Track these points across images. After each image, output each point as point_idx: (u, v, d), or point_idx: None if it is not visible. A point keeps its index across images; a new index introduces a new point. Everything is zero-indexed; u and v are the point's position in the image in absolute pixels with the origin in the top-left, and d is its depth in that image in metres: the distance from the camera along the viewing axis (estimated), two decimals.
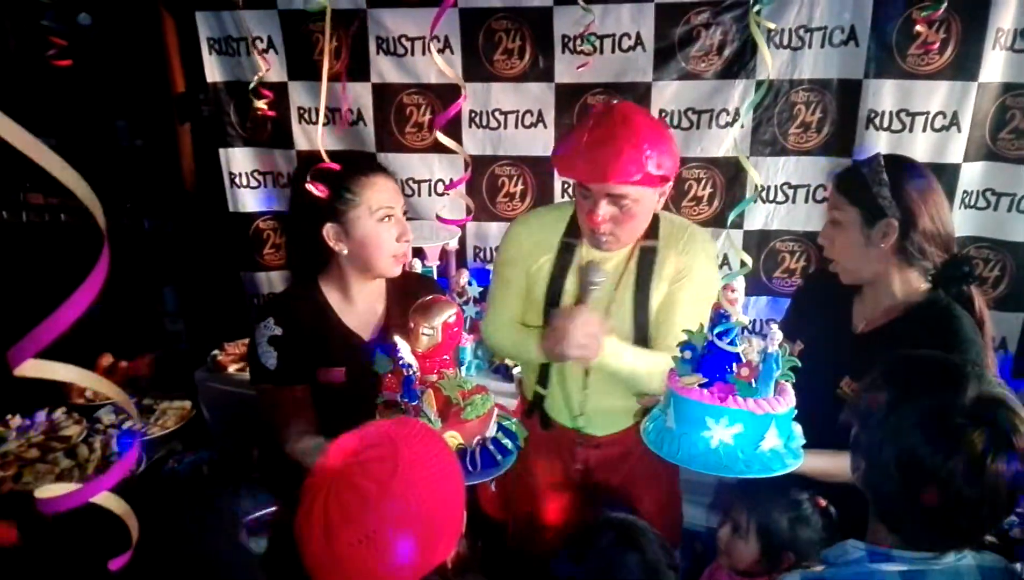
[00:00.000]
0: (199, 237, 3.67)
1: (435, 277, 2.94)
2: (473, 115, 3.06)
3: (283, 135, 3.28)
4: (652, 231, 1.92)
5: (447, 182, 3.13)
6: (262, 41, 3.14)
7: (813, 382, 1.57)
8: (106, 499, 0.60)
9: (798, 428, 1.61)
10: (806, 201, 2.85)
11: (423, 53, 3.01)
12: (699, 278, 1.90)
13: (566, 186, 3.07)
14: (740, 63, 2.77)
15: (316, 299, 1.97)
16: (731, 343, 1.59)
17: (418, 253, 2.98)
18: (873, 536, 1.25)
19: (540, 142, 3.03)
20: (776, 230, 2.92)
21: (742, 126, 2.80)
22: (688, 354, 1.70)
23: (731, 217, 1.71)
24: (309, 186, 1.68)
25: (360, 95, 3.14)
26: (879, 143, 2.64)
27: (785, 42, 2.70)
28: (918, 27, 2.44)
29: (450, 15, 2.94)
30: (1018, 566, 1.31)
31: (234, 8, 3.10)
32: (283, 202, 3.41)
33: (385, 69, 3.09)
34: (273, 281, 3.53)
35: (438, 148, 2.98)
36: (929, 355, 1.26)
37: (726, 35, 2.75)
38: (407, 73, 3.07)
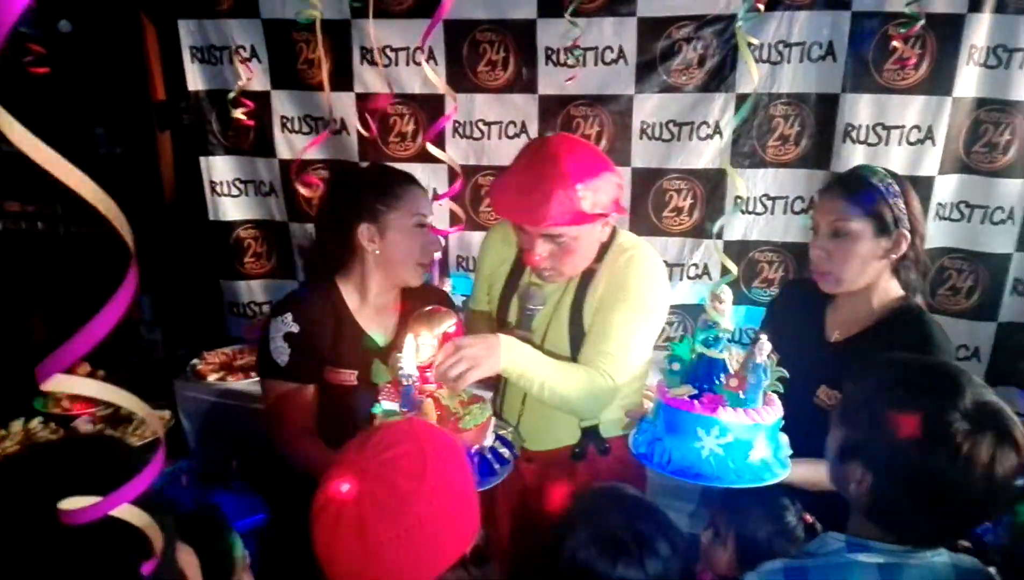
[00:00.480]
0: (178, 245, 3.64)
1: None
2: (457, 125, 3.08)
3: (265, 144, 3.28)
4: (601, 254, 1.90)
5: (434, 192, 3.15)
6: (245, 50, 3.14)
7: (789, 392, 1.59)
8: (127, 511, 0.60)
9: (784, 438, 1.63)
10: (784, 212, 2.90)
11: (407, 64, 3.02)
12: (634, 300, 1.84)
13: None
14: (720, 77, 2.81)
15: (334, 300, 1.95)
16: (717, 348, 1.61)
17: None
18: (853, 528, 1.27)
19: None
20: (755, 241, 2.96)
21: (721, 136, 2.84)
22: (676, 366, 1.71)
23: (715, 227, 1.73)
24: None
25: (344, 105, 3.14)
26: (856, 156, 2.70)
27: (765, 56, 2.75)
28: (894, 43, 2.50)
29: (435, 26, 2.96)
30: (992, 570, 1.33)
31: (217, 17, 3.10)
32: (265, 210, 3.40)
33: (369, 79, 3.10)
34: (253, 290, 3.52)
35: (422, 158, 2.99)
36: (925, 359, 1.28)
37: (707, 49, 2.79)
38: (391, 83, 3.08)
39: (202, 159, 3.33)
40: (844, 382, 1.32)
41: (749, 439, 1.57)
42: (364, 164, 1.97)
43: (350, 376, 1.93)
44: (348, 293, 1.97)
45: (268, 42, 3.14)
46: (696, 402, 1.60)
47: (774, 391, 1.62)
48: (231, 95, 2.99)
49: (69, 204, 3.96)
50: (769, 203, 2.92)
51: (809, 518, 1.72)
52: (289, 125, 3.24)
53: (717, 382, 1.67)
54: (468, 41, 2.97)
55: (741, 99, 2.80)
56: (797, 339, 1.87)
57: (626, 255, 1.89)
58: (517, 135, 3.04)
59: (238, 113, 3.04)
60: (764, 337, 1.59)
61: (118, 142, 3.86)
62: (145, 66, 3.38)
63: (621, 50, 2.86)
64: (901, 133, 2.68)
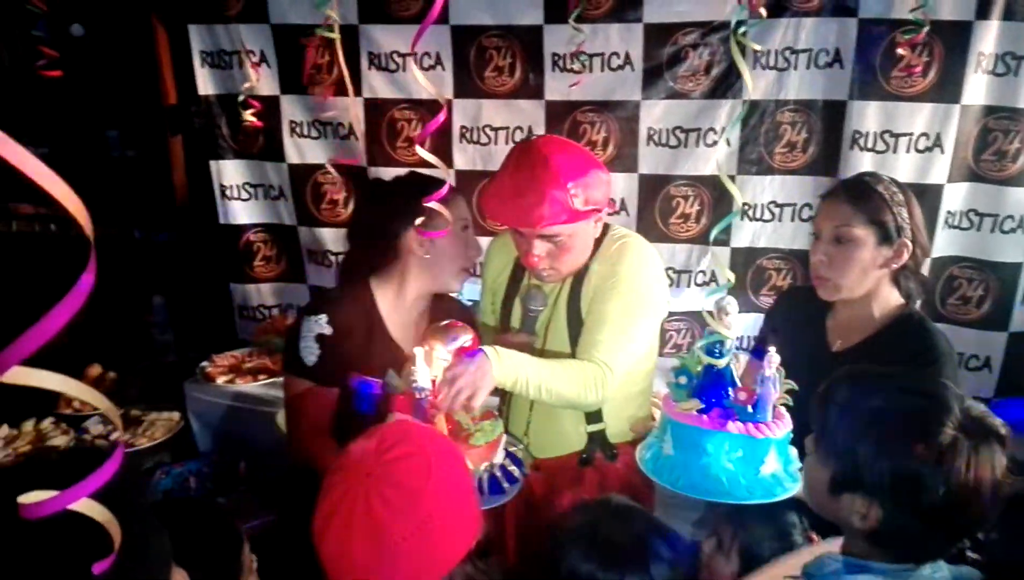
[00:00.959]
0: (189, 248, 3.68)
1: None
2: (464, 131, 3.08)
3: (274, 148, 3.29)
4: (595, 249, 1.93)
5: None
6: (255, 55, 3.16)
7: (798, 404, 1.59)
8: (87, 506, 0.61)
9: (794, 452, 1.63)
10: (792, 220, 2.89)
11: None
12: (626, 289, 1.86)
13: None
14: (727, 83, 2.80)
15: (368, 305, 1.96)
16: (720, 356, 1.61)
17: None
18: (851, 548, 1.26)
19: None
20: (762, 248, 2.95)
21: (728, 144, 2.83)
22: (683, 379, 1.71)
23: (713, 234, 1.72)
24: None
25: (352, 110, 3.16)
26: (863, 163, 2.68)
27: (771, 63, 2.74)
28: (900, 50, 2.49)
29: (442, 32, 2.97)
30: None
31: (227, 21, 3.13)
32: (274, 214, 3.42)
33: (377, 84, 3.11)
34: (263, 293, 3.54)
35: (428, 163, 3.00)
36: (899, 382, 1.25)
37: (713, 56, 2.78)
38: (398, 88, 3.09)
39: (212, 163, 3.36)
40: (818, 416, 1.28)
41: (760, 454, 1.57)
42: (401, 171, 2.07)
43: (377, 385, 1.92)
44: (382, 297, 1.97)
45: (277, 47, 3.15)
46: (704, 417, 1.60)
47: (783, 405, 1.62)
48: (240, 97, 3.01)
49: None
50: (777, 210, 2.91)
51: (815, 537, 1.71)
52: (298, 130, 3.26)
53: (725, 396, 1.67)
54: (475, 47, 2.97)
55: (748, 106, 2.79)
56: (799, 349, 1.87)
57: (616, 244, 1.92)
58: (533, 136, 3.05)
59: (248, 114, 3.06)
60: (772, 349, 1.59)
61: (130, 145, 3.90)
62: (157, 70, 3.41)
63: (628, 56, 2.85)
64: (909, 141, 2.66)
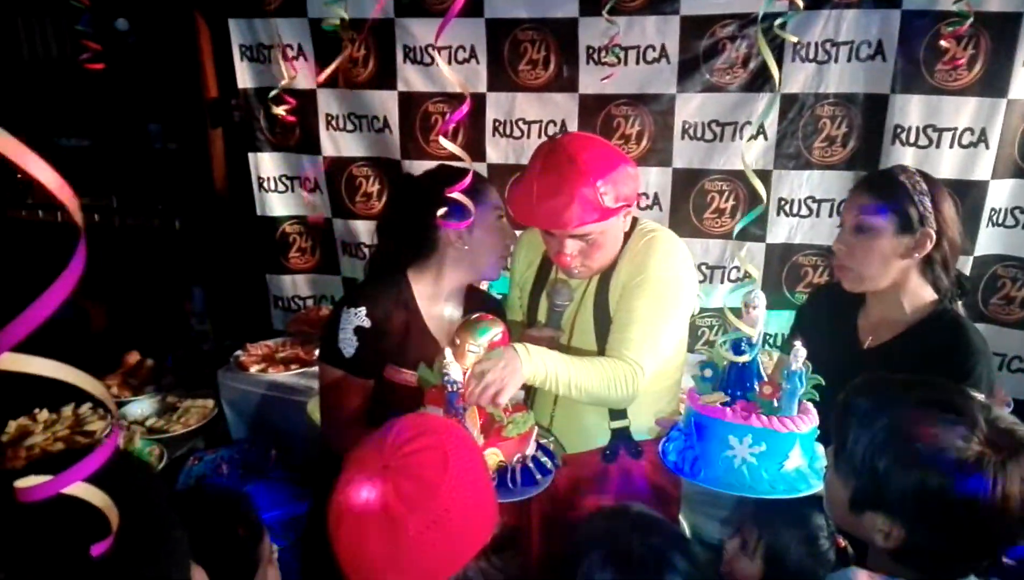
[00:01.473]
0: (228, 239, 3.74)
1: None
2: (497, 124, 3.08)
3: (311, 141, 3.33)
4: (622, 245, 1.91)
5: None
6: (292, 49, 3.20)
7: (825, 399, 1.56)
8: (83, 490, 0.62)
9: (821, 448, 1.59)
10: (830, 215, 2.83)
11: (449, 63, 3.03)
12: (655, 286, 1.84)
13: None
14: (764, 76, 2.76)
15: (406, 298, 1.96)
16: (740, 352, 1.58)
17: None
18: (876, 563, 1.23)
19: None
20: (799, 244, 2.90)
21: (763, 137, 2.78)
22: (708, 372, 1.69)
23: (736, 230, 1.70)
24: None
25: (386, 103, 3.18)
26: (905, 158, 2.61)
27: (811, 56, 2.69)
28: (943, 42, 2.42)
29: (477, 25, 2.97)
30: None
31: (265, 16, 3.17)
32: (306, 207, 3.46)
33: (411, 77, 3.12)
34: (298, 284, 3.59)
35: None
36: (919, 393, 1.19)
37: (751, 48, 2.74)
38: (432, 82, 3.10)
39: (251, 155, 3.40)
40: (836, 428, 1.25)
41: (784, 449, 1.55)
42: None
43: (411, 377, 1.93)
44: (420, 290, 1.98)
45: (314, 40, 3.18)
46: (728, 410, 1.58)
47: (809, 399, 1.59)
48: (272, 92, 3.05)
49: (124, 197, 4.09)
50: (814, 206, 2.85)
51: (842, 542, 1.67)
52: (334, 123, 3.29)
53: (750, 389, 1.64)
54: (509, 40, 2.97)
55: (786, 99, 2.75)
56: (830, 345, 1.83)
57: (645, 239, 1.90)
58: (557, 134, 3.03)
59: (279, 109, 3.09)
60: (799, 343, 1.56)
61: (172, 138, 3.97)
62: (198, 64, 3.47)
63: (663, 49, 2.82)
64: (953, 135, 2.59)
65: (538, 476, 1.68)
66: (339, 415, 1.94)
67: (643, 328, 1.82)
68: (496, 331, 1.73)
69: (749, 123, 2.80)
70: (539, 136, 3.02)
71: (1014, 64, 2.47)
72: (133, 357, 3.29)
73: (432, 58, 3.05)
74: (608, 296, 1.91)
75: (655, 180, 2.96)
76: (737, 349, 1.64)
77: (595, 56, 2.90)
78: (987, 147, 2.57)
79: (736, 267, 2.96)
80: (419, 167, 3.13)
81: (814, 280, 2.91)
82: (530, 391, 2.11)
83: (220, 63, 3.42)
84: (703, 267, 2.98)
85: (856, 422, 1.19)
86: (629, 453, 2.00)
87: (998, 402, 2.47)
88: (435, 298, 1.99)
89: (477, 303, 2.04)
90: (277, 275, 3.59)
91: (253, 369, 3.04)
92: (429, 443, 1.24)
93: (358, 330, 1.90)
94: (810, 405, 1.58)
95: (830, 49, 2.67)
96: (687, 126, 2.88)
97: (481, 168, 3.11)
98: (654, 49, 2.83)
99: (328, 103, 3.26)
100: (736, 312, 1.62)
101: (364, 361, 1.91)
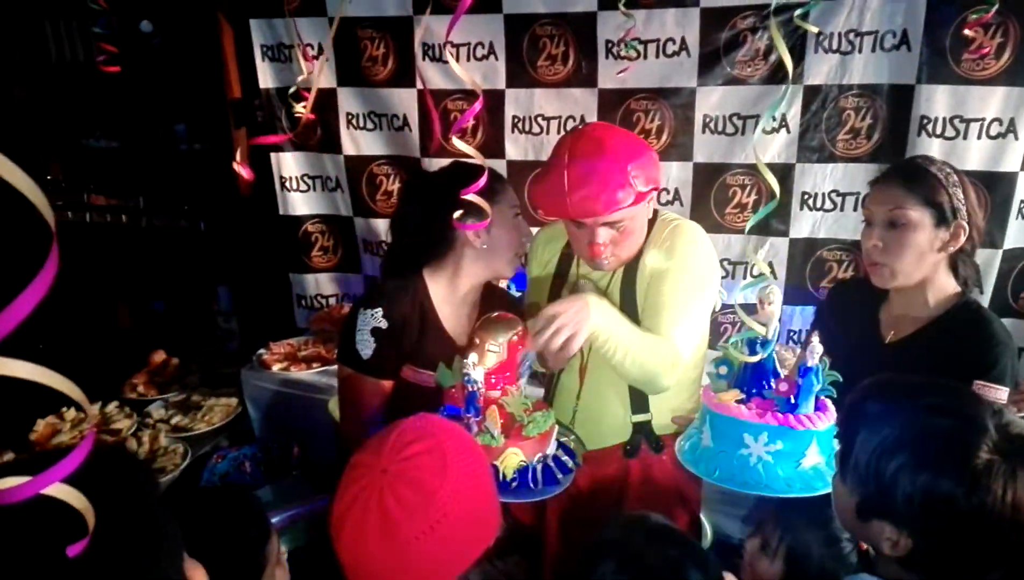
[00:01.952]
0: (252, 239, 3.77)
1: None
2: (516, 120, 3.06)
3: (332, 140, 3.34)
4: (646, 235, 1.89)
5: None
6: (312, 48, 3.21)
7: (843, 396, 1.53)
8: (62, 491, 0.62)
9: (839, 445, 1.57)
10: (855, 209, 2.77)
11: (468, 60, 3.03)
12: (686, 272, 1.82)
13: None
14: (786, 68, 2.70)
15: (422, 297, 1.97)
16: (752, 352, 1.57)
17: None
18: (884, 570, 1.20)
19: None
20: (823, 238, 2.85)
21: (775, 131, 2.74)
22: (723, 370, 1.67)
23: (749, 225, 1.67)
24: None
25: (405, 101, 3.18)
26: (932, 150, 2.55)
27: (834, 46, 2.64)
28: (967, 31, 2.36)
29: (495, 21, 2.96)
30: None
31: (286, 16, 3.18)
32: (331, 205, 3.48)
33: (430, 75, 3.12)
34: (320, 283, 3.61)
35: (482, 153, 3.00)
36: (929, 400, 1.16)
37: (772, 40, 2.69)
38: (452, 80, 3.09)
39: (272, 155, 3.42)
40: (843, 432, 1.22)
41: (800, 446, 1.53)
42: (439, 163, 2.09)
43: (429, 377, 1.93)
44: (435, 289, 1.98)
45: (334, 40, 3.19)
46: (743, 408, 1.56)
47: (827, 396, 1.57)
48: (292, 89, 3.07)
49: (151, 198, 4.15)
50: (838, 200, 2.80)
51: (864, 545, 1.64)
52: (354, 122, 3.30)
53: (766, 387, 1.62)
54: (528, 36, 2.95)
55: (809, 91, 2.70)
56: (851, 340, 1.81)
57: (669, 227, 1.88)
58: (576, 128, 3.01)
59: (299, 107, 3.11)
60: (815, 339, 1.54)
61: (197, 139, 4.02)
62: (222, 64, 3.50)
63: (684, 41, 2.78)
64: (980, 126, 2.52)
65: (559, 475, 1.67)
66: (358, 416, 1.95)
67: (676, 312, 1.79)
68: (516, 330, 1.73)
69: (772, 116, 2.75)
70: (558, 132, 3.00)
71: None
72: (159, 356, 3.34)
73: (452, 55, 3.04)
74: (636, 285, 1.88)
75: (676, 175, 2.93)
76: (752, 348, 1.62)
77: (614, 50, 2.87)
78: (1016, 138, 2.50)
79: (755, 265, 2.92)
80: (438, 165, 3.13)
81: (839, 275, 2.86)
82: (550, 386, 2.10)
83: (243, 64, 3.45)
84: (725, 263, 2.94)
85: (863, 427, 1.17)
86: (651, 447, 1.98)
87: (1023, 395, 2.41)
88: (451, 297, 1.99)
89: (495, 301, 2.03)
90: (300, 274, 3.61)
91: (275, 367, 3.06)
92: (428, 447, 1.23)
93: (375, 331, 1.90)
94: (828, 402, 1.56)
95: (854, 39, 2.61)
96: (708, 120, 2.84)
97: (500, 165, 3.10)
98: (674, 42, 2.80)
99: (348, 102, 3.27)
100: (752, 309, 1.60)
101: (382, 362, 1.92)
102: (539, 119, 3.03)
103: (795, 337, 2.89)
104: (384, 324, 1.90)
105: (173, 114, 3.98)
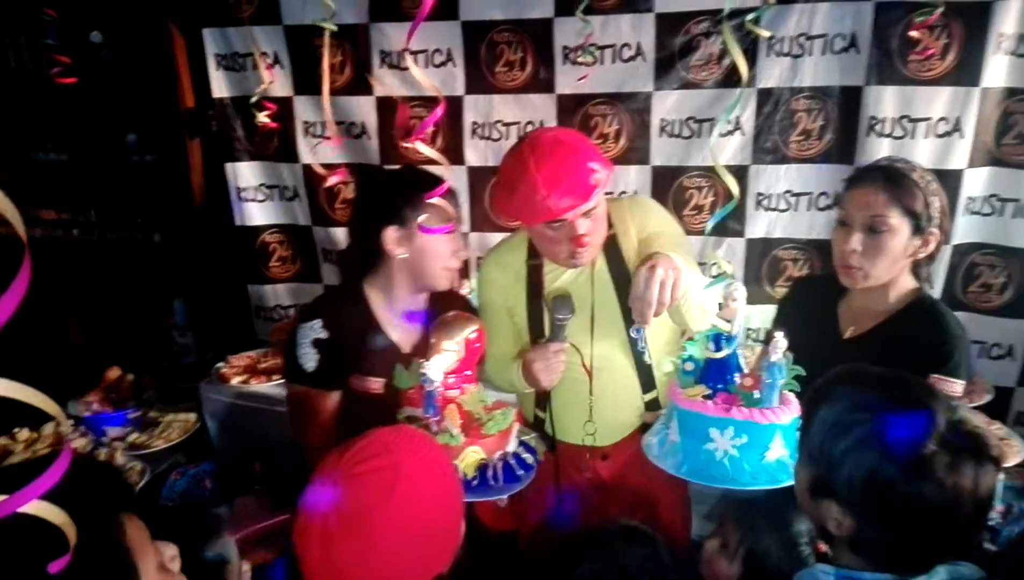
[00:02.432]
0: (208, 251, 3.71)
1: None
2: (475, 127, 3.07)
3: (289, 149, 3.31)
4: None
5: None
6: (268, 56, 3.18)
7: (806, 390, 1.56)
8: (40, 508, 0.60)
9: None
10: (808, 209, 2.84)
11: (426, 66, 3.03)
12: (665, 226, 1.91)
13: None
14: (740, 72, 2.75)
15: (362, 306, 1.95)
16: (717, 349, 1.59)
17: None
18: (841, 559, 1.23)
19: None
20: (778, 238, 2.90)
21: (729, 133, 2.80)
22: (690, 366, 1.69)
23: (708, 226, 1.69)
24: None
25: (364, 108, 3.16)
26: (881, 150, 2.62)
27: (786, 50, 2.70)
28: (913, 33, 2.43)
29: (453, 28, 2.97)
30: None
31: (240, 24, 3.15)
32: (289, 215, 3.44)
33: (389, 82, 3.11)
34: (279, 293, 3.56)
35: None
36: (885, 381, 1.19)
37: (726, 44, 2.74)
38: (411, 86, 3.09)
39: (228, 165, 3.38)
40: (808, 416, 1.25)
41: (764, 439, 1.55)
42: (392, 167, 2.04)
43: (376, 384, 1.93)
44: (374, 298, 1.96)
45: (290, 48, 3.16)
46: (709, 402, 1.58)
47: (791, 390, 1.59)
48: (253, 99, 3.03)
49: (103, 211, 4.06)
50: (792, 200, 2.86)
51: (822, 547, 1.66)
52: (312, 130, 3.27)
53: (731, 382, 1.64)
54: (486, 42, 2.96)
55: (762, 94, 2.75)
56: (810, 336, 1.83)
57: (623, 203, 1.98)
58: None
59: (262, 116, 3.07)
60: (779, 335, 1.56)
61: (149, 150, 3.94)
62: (174, 74, 3.45)
63: (639, 47, 2.82)
64: (928, 125, 2.60)
65: (520, 472, 1.67)
66: (310, 430, 1.93)
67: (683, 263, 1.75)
68: (472, 328, 1.73)
69: (727, 119, 2.80)
70: (518, 137, 3.00)
71: (986, 52, 2.49)
72: (114, 372, 3.25)
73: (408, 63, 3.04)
74: (625, 262, 1.88)
75: (634, 178, 2.96)
76: (717, 344, 1.64)
77: (571, 56, 2.90)
78: (962, 136, 2.58)
79: (716, 263, 2.96)
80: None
81: (794, 274, 2.92)
82: (546, 400, 2.07)
83: (196, 73, 3.40)
84: None
85: (823, 407, 1.20)
86: None
87: (979, 390, 2.48)
88: (391, 305, 1.97)
89: (450, 303, 2.01)
90: (259, 285, 3.56)
91: (235, 381, 3.00)
92: (383, 465, 1.18)
93: (316, 342, 1.89)
94: (792, 396, 1.58)
95: (804, 43, 2.68)
96: (664, 124, 2.88)
97: (461, 171, 3.10)
98: (630, 47, 2.84)
99: (305, 110, 3.25)
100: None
101: (327, 373, 1.90)
102: (498, 125, 3.04)
103: (753, 335, 2.93)
104: (324, 334, 1.89)
105: (124, 125, 3.90)
